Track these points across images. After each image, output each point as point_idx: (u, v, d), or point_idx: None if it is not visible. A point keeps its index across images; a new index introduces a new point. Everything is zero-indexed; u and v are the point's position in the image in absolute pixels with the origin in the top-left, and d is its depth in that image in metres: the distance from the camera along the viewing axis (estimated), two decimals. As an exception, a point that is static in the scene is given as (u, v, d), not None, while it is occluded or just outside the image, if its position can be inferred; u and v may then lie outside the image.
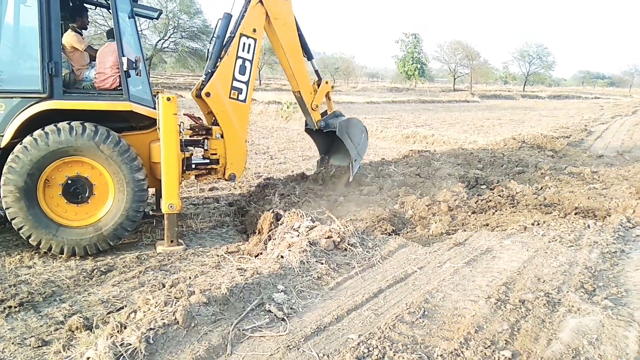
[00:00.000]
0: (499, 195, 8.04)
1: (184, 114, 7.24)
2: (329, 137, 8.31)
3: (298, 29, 7.57)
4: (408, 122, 22.52)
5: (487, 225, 6.76)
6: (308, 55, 7.86)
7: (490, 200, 7.80)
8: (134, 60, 6.23)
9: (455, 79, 68.12)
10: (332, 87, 8.30)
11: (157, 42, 39.95)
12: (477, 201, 7.76)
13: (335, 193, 8.00)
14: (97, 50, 6.83)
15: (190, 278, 5.32)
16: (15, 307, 4.61)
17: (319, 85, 8.03)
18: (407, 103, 38.60)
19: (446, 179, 9.06)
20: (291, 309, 4.14)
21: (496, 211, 7.39)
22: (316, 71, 8.22)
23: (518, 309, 4.16)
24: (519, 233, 6.25)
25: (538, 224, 6.52)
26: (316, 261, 5.04)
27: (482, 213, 7.33)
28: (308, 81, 7.89)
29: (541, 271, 4.99)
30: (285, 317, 3.97)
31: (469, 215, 7.22)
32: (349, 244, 5.53)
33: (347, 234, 5.68)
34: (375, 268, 5.12)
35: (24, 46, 6.37)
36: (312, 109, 7.94)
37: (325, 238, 5.50)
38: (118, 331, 3.62)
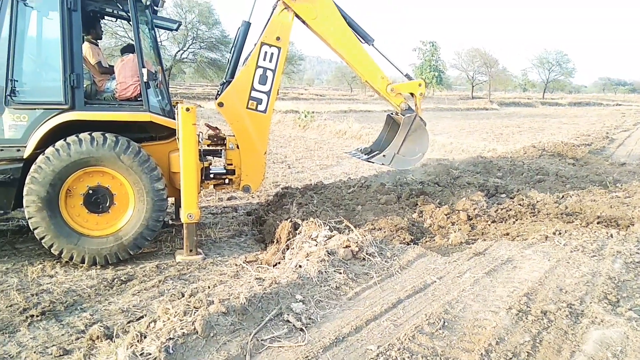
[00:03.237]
0: (519, 204, 7.94)
1: (205, 125, 7.27)
2: (394, 132, 7.42)
3: (344, 17, 6.86)
4: (426, 130, 22.38)
5: (508, 234, 6.68)
6: (365, 39, 7.14)
7: (511, 209, 7.70)
8: (153, 72, 6.32)
9: (473, 86, 67.71)
10: (422, 93, 7.33)
11: (177, 52, 40.50)
12: (497, 210, 7.68)
13: (353, 202, 7.97)
14: (108, 66, 6.95)
15: (209, 287, 5.34)
16: (37, 316, 4.67)
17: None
18: (425, 111, 38.41)
19: (465, 187, 8.99)
20: (310, 319, 4.13)
21: (516, 220, 7.29)
22: (385, 57, 7.41)
23: (540, 320, 4.10)
24: (540, 242, 6.16)
25: (560, 234, 6.43)
26: (334, 271, 5.03)
27: (502, 222, 7.25)
28: (372, 66, 7.13)
29: (563, 281, 4.91)
30: (303, 327, 3.96)
31: (489, 225, 7.14)
32: (367, 254, 5.50)
33: (366, 244, 5.65)
34: (394, 278, 5.09)
35: (46, 58, 6.50)
36: (387, 92, 7.13)
37: (344, 247, 5.48)
38: (138, 341, 3.65)
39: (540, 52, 78.30)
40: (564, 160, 13.04)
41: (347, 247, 5.50)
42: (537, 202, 8.12)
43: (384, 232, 6.52)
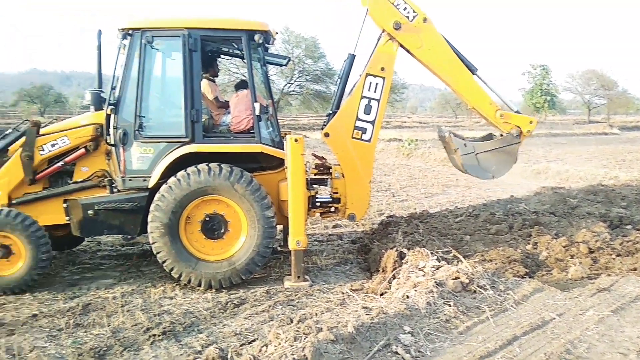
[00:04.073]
0: (648, 237, 7.25)
1: (312, 154, 7.48)
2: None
3: (450, 45, 6.81)
4: (538, 157, 21.32)
5: (636, 269, 6.12)
6: (469, 68, 6.94)
7: (638, 242, 7.05)
8: (265, 105, 6.65)
9: (590, 110, 63.57)
10: (530, 131, 6.95)
11: (284, 86, 42.24)
12: (623, 243, 7.06)
13: (461, 231, 7.71)
14: (224, 101, 7.40)
15: (316, 314, 5.39)
16: (159, 336, 4.98)
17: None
18: (536, 137, 36.53)
19: (585, 218, 8.38)
20: (419, 352, 4.04)
21: (646, 254, 6.66)
22: (491, 88, 7.13)
23: (679, 366, 3.69)
24: (675, 279, 5.58)
25: (698, 270, 5.78)
26: (443, 303, 4.89)
27: (628, 256, 6.65)
28: (479, 93, 6.98)
29: None
30: (413, 360, 3.88)
31: (614, 258, 6.59)
32: (478, 286, 5.30)
33: (476, 275, 5.45)
34: (508, 313, 4.84)
35: (169, 96, 7.07)
36: (497, 118, 6.93)
37: (453, 279, 5.32)
38: (251, 364, 3.76)
39: (667, 71, 71.77)
40: (700, 189, 11.75)
41: (456, 278, 5.33)
42: (670, 234, 7.37)
43: (496, 263, 6.24)
